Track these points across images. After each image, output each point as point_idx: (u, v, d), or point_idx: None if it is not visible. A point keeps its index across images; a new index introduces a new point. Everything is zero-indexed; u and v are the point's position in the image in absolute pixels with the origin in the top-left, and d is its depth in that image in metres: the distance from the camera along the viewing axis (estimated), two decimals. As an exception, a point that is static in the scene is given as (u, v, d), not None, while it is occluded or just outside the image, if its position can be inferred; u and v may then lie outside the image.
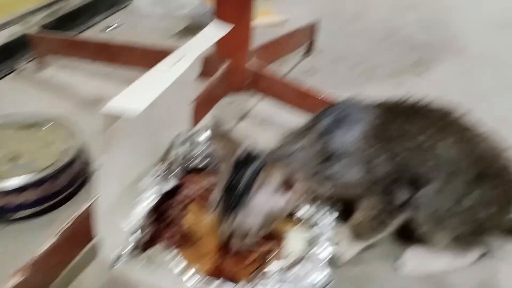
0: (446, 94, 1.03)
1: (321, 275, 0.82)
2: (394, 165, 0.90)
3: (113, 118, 0.72)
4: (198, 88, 1.23)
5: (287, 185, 0.83)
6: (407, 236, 1.04)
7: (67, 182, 1.10)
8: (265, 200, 0.83)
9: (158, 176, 0.96)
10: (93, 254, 0.90)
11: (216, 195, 0.88)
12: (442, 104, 0.98)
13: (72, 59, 1.62)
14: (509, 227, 1.03)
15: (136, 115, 0.67)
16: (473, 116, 0.99)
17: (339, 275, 0.97)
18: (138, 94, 0.76)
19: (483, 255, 1.02)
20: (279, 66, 1.82)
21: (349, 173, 0.91)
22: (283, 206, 0.85)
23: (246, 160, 0.87)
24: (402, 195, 0.92)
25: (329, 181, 0.92)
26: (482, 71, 1.87)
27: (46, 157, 1.10)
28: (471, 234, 0.95)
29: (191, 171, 1.09)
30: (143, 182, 0.92)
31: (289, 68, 1.81)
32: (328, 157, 0.90)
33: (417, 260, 1.00)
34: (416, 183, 0.92)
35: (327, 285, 0.81)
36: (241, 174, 0.85)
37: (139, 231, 0.87)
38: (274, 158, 0.89)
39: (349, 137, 0.90)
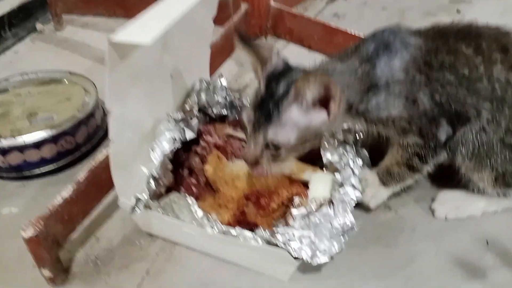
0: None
1: (345, 220, 0.78)
2: (434, 101, 0.83)
3: (121, 49, 0.68)
4: (215, 33, 1.18)
5: (325, 99, 0.76)
6: (446, 180, 0.99)
7: (85, 137, 1.08)
8: (300, 114, 0.77)
9: (176, 122, 0.92)
10: (116, 205, 0.89)
11: (247, 113, 0.81)
12: (498, 27, 0.88)
13: (88, 17, 1.59)
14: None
15: (146, 43, 0.63)
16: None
17: (371, 220, 0.94)
18: (147, 25, 0.71)
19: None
20: (304, 11, 1.76)
21: (390, 107, 0.83)
22: (320, 123, 0.79)
23: (282, 72, 0.81)
24: (441, 134, 0.86)
25: (368, 113, 0.84)
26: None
27: (63, 112, 1.08)
28: None
29: (212, 120, 1.06)
30: (160, 128, 0.89)
31: (315, 13, 1.73)
32: (370, 86, 0.82)
33: (451, 204, 0.94)
34: (457, 121, 0.85)
35: (351, 229, 0.77)
36: (275, 87, 0.79)
37: (158, 177, 0.85)
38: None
39: (392, 66, 0.82)
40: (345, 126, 0.94)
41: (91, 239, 0.92)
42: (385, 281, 0.84)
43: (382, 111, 0.84)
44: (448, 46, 0.84)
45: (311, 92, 0.75)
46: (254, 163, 0.82)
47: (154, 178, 0.84)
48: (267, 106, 0.78)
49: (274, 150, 0.80)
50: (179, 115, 0.93)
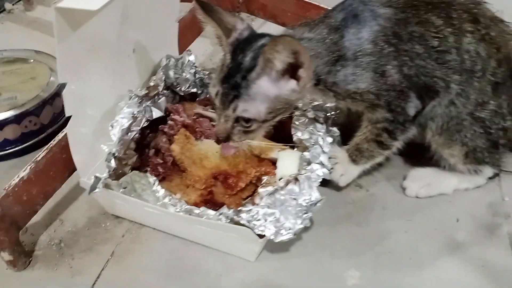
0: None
1: (311, 197, 0.76)
2: (403, 74, 0.81)
3: (72, 18, 0.65)
4: (185, 9, 1.15)
5: (294, 66, 0.73)
6: (418, 158, 0.98)
7: (50, 117, 1.05)
8: (269, 84, 0.75)
9: (140, 98, 0.90)
10: (81, 187, 0.87)
11: (214, 86, 0.78)
12: None
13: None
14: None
15: (93, 9, 0.60)
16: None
17: (342, 198, 0.93)
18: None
19: (494, 176, 0.95)
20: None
21: (357, 79, 0.81)
22: (290, 92, 0.76)
23: (248, 40, 0.78)
24: (410, 108, 0.84)
25: (337, 87, 0.82)
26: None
27: (27, 92, 1.05)
28: (485, 150, 0.87)
29: (182, 98, 1.03)
30: (119, 105, 0.86)
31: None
32: (338, 58, 0.80)
33: (423, 181, 0.93)
34: (426, 94, 0.83)
35: (315, 205, 0.76)
36: (241, 57, 0.76)
37: (119, 155, 0.83)
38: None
39: (361, 37, 0.79)
40: (315, 102, 0.92)
41: (55, 221, 0.90)
42: (355, 259, 0.83)
43: (350, 84, 0.82)
44: (419, 16, 0.82)
45: (280, 59, 0.72)
46: (225, 139, 0.79)
47: (115, 157, 0.81)
48: (235, 78, 0.75)
49: (245, 124, 0.77)
50: (142, 92, 0.90)
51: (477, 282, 0.79)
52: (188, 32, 1.10)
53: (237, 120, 0.77)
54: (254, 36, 0.79)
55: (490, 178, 0.94)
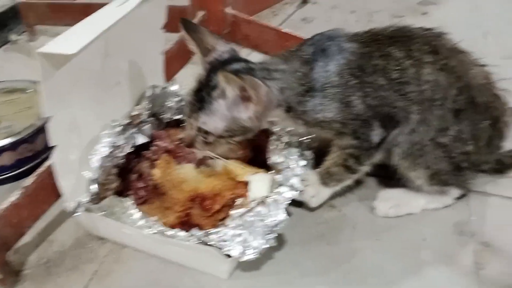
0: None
1: (277, 217, 0.81)
2: (367, 104, 0.86)
3: (55, 58, 0.73)
4: (172, 40, 1.22)
5: (246, 97, 0.81)
6: (390, 179, 1.02)
7: (43, 145, 1.11)
8: (226, 107, 0.83)
9: (123, 127, 0.96)
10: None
11: (187, 95, 0.89)
12: (431, 29, 0.92)
13: (61, 27, 1.63)
14: (494, 167, 1.00)
15: (70, 53, 0.68)
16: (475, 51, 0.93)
17: (315, 218, 0.98)
18: (77, 35, 0.76)
19: (461, 196, 0.99)
20: (274, 16, 1.80)
21: (325, 109, 0.87)
22: (246, 119, 0.84)
23: (225, 62, 0.86)
24: (374, 136, 0.89)
25: (306, 116, 0.88)
26: (489, 8, 1.78)
27: (23, 120, 1.12)
28: (449, 173, 0.91)
29: (168, 125, 1.10)
30: (100, 134, 0.93)
31: (284, 18, 1.78)
32: (308, 89, 0.86)
33: (392, 201, 0.97)
34: (388, 123, 0.89)
35: (279, 225, 0.81)
36: (212, 75, 0.84)
37: (100, 181, 0.89)
38: (248, 69, 0.85)
39: (328, 70, 0.86)
40: (288, 128, 0.98)
41: (44, 242, 0.96)
42: (324, 277, 0.87)
43: (318, 114, 0.88)
44: (381, 50, 0.88)
45: (230, 90, 0.80)
46: (189, 145, 0.90)
47: (95, 182, 0.87)
48: (202, 93, 0.85)
49: (204, 135, 0.87)
50: (125, 121, 0.97)
51: (440, 299, 0.83)
52: (175, 61, 1.17)
53: (199, 129, 0.86)
54: (232, 59, 0.87)
55: (458, 198, 0.98)
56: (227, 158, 0.96)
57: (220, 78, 0.79)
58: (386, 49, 0.88)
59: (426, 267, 0.88)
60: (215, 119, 0.84)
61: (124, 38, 0.91)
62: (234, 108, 0.83)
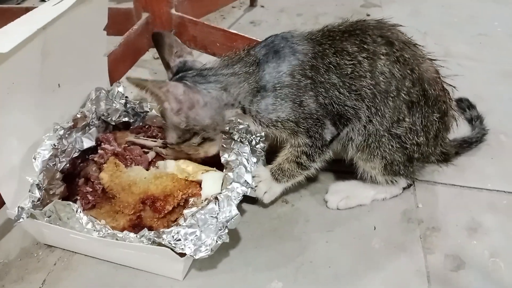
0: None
1: (230, 213, 0.81)
2: (319, 103, 0.88)
3: None
4: (116, 42, 1.20)
5: (158, 98, 0.84)
6: (339, 172, 1.05)
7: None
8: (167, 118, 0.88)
9: (64, 131, 0.93)
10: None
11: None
12: (383, 22, 0.93)
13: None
14: (439, 157, 1.04)
15: (6, 51, 0.65)
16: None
17: (268, 214, 0.99)
18: (10, 34, 0.73)
19: (409, 186, 1.03)
20: (222, 19, 1.81)
21: (278, 109, 0.88)
22: (175, 117, 0.86)
23: (177, 72, 0.90)
24: (327, 134, 0.91)
25: (260, 115, 0.89)
26: (427, 12, 1.87)
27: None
28: (401, 164, 0.94)
29: (115, 128, 1.08)
30: (42, 137, 0.90)
31: (232, 21, 1.80)
32: (259, 89, 0.87)
33: (342, 194, 0.99)
34: (339, 122, 0.90)
35: (231, 220, 0.81)
36: None
37: (42, 185, 0.86)
38: (179, 78, 0.88)
39: (280, 71, 0.87)
40: (240, 126, 0.98)
41: (-13, 254, 0.92)
42: (277, 271, 0.87)
43: (271, 114, 0.89)
44: (335, 46, 0.89)
45: (146, 95, 0.83)
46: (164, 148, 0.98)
47: (38, 187, 0.84)
48: None
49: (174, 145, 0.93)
50: (68, 124, 0.94)
51: (390, 286, 0.85)
52: (120, 64, 1.15)
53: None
54: (178, 72, 0.91)
55: (405, 188, 1.02)
56: (176, 158, 0.96)
57: (133, 86, 0.82)
58: (340, 45, 0.89)
59: (377, 255, 0.90)
60: (170, 132, 0.90)
61: (64, 39, 0.89)
62: (169, 115, 0.86)
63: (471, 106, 1.22)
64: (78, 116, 0.98)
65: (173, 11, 1.24)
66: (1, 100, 0.79)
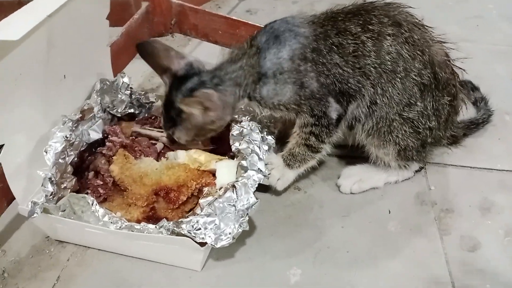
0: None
1: (248, 201, 0.80)
2: (320, 83, 0.86)
3: None
4: (117, 33, 1.17)
5: (206, 107, 0.85)
6: (348, 157, 1.04)
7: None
8: (193, 123, 0.88)
9: (73, 123, 0.91)
10: (23, 216, 0.86)
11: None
12: (390, 3, 0.91)
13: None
14: (451, 139, 1.04)
15: (17, 38, 0.63)
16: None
17: (282, 202, 0.97)
18: (17, 22, 0.70)
19: (420, 169, 1.02)
20: (217, 8, 1.78)
21: (279, 94, 0.87)
22: (211, 121, 0.88)
23: (183, 77, 0.87)
24: (332, 112, 0.89)
25: (263, 100, 0.89)
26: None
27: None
28: (415, 149, 0.93)
29: (120, 119, 1.05)
30: (52, 130, 0.87)
31: (228, 10, 1.76)
32: (260, 77, 0.87)
33: (355, 177, 0.98)
34: (342, 99, 0.89)
35: (252, 207, 0.79)
36: (174, 94, 0.87)
37: (55, 179, 0.83)
38: (200, 84, 0.86)
39: (280, 56, 0.86)
40: (250, 114, 0.96)
41: (-3, 252, 0.89)
42: (295, 258, 0.86)
43: (273, 98, 0.88)
44: (337, 28, 0.87)
45: (194, 109, 0.85)
46: (170, 143, 0.98)
47: (51, 181, 0.82)
48: (171, 113, 0.89)
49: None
50: (76, 116, 0.91)
51: (409, 267, 0.84)
52: (122, 54, 1.12)
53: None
54: (187, 76, 0.88)
55: (417, 171, 1.01)
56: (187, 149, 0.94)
57: (182, 106, 0.85)
58: (343, 25, 0.87)
59: (394, 238, 0.90)
60: (185, 133, 0.91)
61: (68, 29, 0.86)
62: (200, 120, 0.87)
63: (474, 88, 1.22)
64: (85, 108, 0.95)
65: (172, 2, 1.21)
66: (9, 92, 0.76)
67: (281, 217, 0.94)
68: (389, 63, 0.86)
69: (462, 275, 0.83)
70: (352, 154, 1.01)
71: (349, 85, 0.87)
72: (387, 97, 0.88)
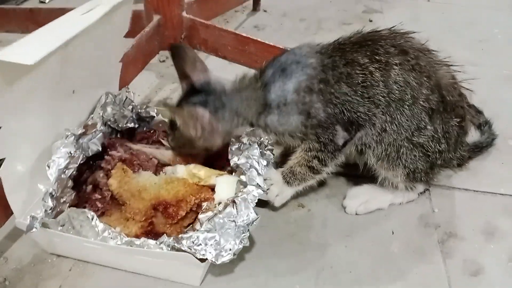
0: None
1: (248, 216, 0.79)
2: (327, 113, 0.87)
3: (10, 67, 0.67)
4: (127, 44, 1.17)
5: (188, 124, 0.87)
6: (356, 177, 1.03)
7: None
8: (181, 134, 0.91)
9: (76, 137, 0.89)
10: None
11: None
12: (396, 31, 0.92)
13: (2, 34, 1.54)
14: (457, 162, 1.03)
15: (32, 63, 0.63)
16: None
17: (284, 218, 0.97)
18: (35, 43, 0.71)
19: (425, 191, 1.02)
20: (225, 23, 1.80)
21: (284, 124, 0.88)
22: (194, 136, 0.89)
23: (194, 90, 0.89)
24: (339, 139, 0.89)
25: (268, 127, 0.90)
26: (427, 18, 1.88)
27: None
28: (423, 171, 0.93)
29: (119, 134, 1.04)
30: (55, 144, 0.86)
31: (236, 25, 1.78)
32: (265, 107, 0.88)
33: (361, 198, 0.98)
34: (351, 127, 0.89)
35: (252, 223, 0.79)
36: (182, 102, 0.90)
37: (55, 194, 0.82)
38: (202, 102, 0.87)
39: (285, 89, 0.87)
40: (248, 129, 0.96)
41: (-1, 260, 0.89)
42: (297, 276, 0.85)
43: (278, 127, 0.89)
44: (345, 58, 0.88)
45: (182, 121, 0.88)
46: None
47: (52, 196, 0.81)
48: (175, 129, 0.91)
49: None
50: (79, 130, 0.90)
51: (412, 289, 0.84)
52: (131, 66, 1.12)
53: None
54: (199, 90, 0.89)
55: (421, 192, 1.01)
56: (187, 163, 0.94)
57: (175, 116, 0.89)
58: (350, 56, 0.88)
59: (397, 260, 0.88)
60: (176, 140, 0.94)
61: (86, 47, 0.85)
62: (187, 134, 0.89)
63: (478, 112, 1.23)
64: (89, 123, 0.94)
65: (184, 13, 1.22)
66: (20, 105, 0.75)
67: (284, 234, 0.93)
68: (397, 92, 0.86)
69: (464, 300, 0.83)
70: (357, 173, 1.01)
71: (359, 113, 0.87)
72: (395, 124, 0.88)
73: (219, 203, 0.83)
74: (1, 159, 0.76)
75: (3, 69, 0.68)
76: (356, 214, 0.98)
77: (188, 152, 0.95)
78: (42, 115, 0.84)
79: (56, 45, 0.72)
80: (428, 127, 0.89)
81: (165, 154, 0.99)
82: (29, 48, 0.70)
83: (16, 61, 0.65)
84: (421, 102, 0.87)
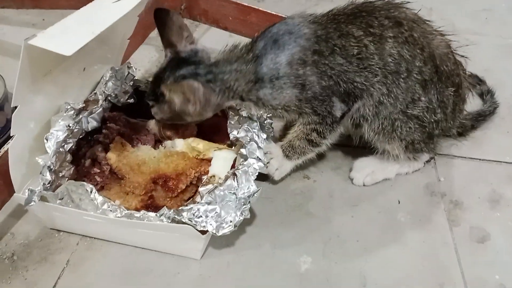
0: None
1: (249, 189, 0.78)
2: (322, 85, 0.85)
3: (37, 51, 0.65)
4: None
5: (187, 98, 0.84)
6: (359, 146, 1.03)
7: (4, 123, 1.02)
8: (172, 108, 0.86)
9: (76, 111, 0.88)
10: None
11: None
12: (391, 2, 0.89)
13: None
14: (457, 130, 1.03)
15: (69, 54, 0.63)
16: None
17: (291, 190, 0.96)
18: (72, 32, 0.70)
19: (430, 160, 1.00)
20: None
21: (278, 97, 0.85)
22: (189, 112, 0.86)
23: (181, 60, 0.86)
24: (336, 111, 0.87)
25: (261, 101, 0.87)
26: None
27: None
28: (422, 142, 0.91)
29: (119, 108, 1.02)
30: (54, 118, 0.84)
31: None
32: (256, 81, 0.85)
33: (367, 170, 0.96)
34: (348, 98, 0.87)
35: (253, 196, 0.78)
36: (167, 73, 0.86)
37: (54, 168, 0.81)
38: (193, 75, 0.85)
39: (278, 61, 0.84)
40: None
41: (6, 235, 0.87)
42: (305, 246, 0.84)
43: (271, 101, 0.86)
44: (340, 30, 0.85)
45: (175, 97, 0.83)
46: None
47: (50, 169, 0.79)
48: (157, 85, 0.87)
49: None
50: (79, 105, 0.88)
51: (419, 257, 0.83)
52: (131, 40, 1.10)
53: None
54: (186, 61, 0.86)
55: (427, 161, 0.99)
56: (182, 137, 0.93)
57: (165, 91, 0.83)
58: (345, 28, 0.85)
59: (404, 228, 0.87)
60: (161, 112, 0.89)
61: (107, 30, 0.84)
62: (177, 108, 0.85)
63: (480, 82, 1.21)
64: (91, 99, 0.92)
65: (182, -14, 1.19)
66: (35, 87, 0.75)
67: (290, 205, 0.92)
68: (392, 64, 0.84)
69: (471, 266, 0.82)
70: (361, 145, 1.00)
71: (356, 84, 0.84)
72: (392, 97, 0.86)
73: (212, 176, 0.83)
74: (11, 136, 0.75)
75: (32, 53, 0.67)
76: (364, 185, 0.96)
77: (174, 123, 0.92)
78: (51, 93, 0.82)
79: (91, 37, 0.71)
80: (422, 98, 0.87)
81: (150, 125, 0.97)
82: (66, 37, 0.70)
83: (54, 50, 0.64)
84: (415, 75, 0.85)
